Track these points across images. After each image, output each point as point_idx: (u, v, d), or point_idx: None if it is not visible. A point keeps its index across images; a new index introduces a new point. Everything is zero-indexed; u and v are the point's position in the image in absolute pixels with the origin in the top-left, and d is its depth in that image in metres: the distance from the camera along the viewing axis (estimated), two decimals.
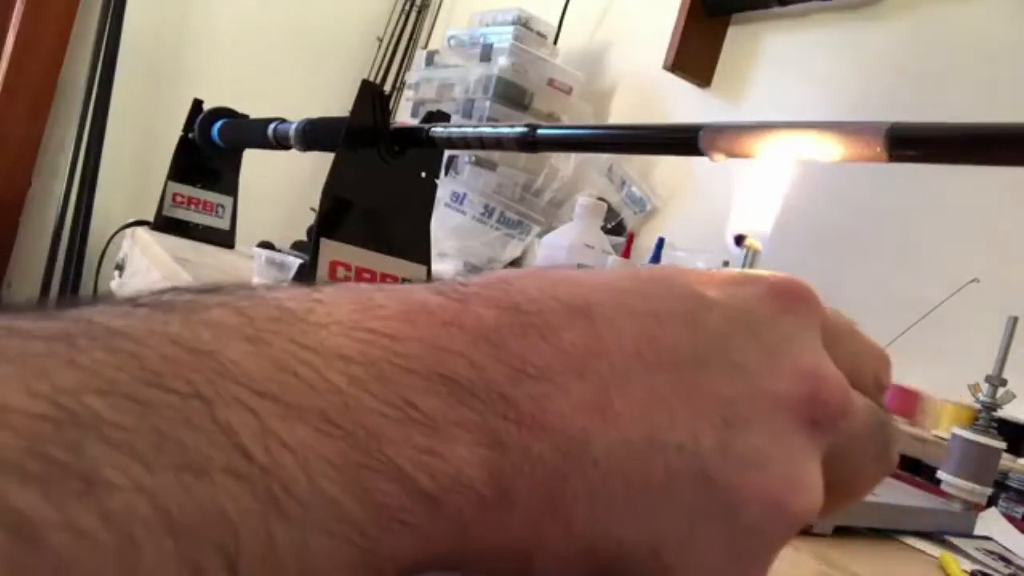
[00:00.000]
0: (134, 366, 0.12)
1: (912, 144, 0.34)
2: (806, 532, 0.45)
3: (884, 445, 0.21)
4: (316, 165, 1.55)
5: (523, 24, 1.48)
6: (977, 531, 0.60)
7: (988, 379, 0.61)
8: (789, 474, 0.17)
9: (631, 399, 0.16)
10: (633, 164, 1.38)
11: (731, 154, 0.42)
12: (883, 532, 0.53)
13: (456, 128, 0.67)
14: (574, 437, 0.15)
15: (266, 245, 1.04)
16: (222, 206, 1.27)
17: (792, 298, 0.19)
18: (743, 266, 0.23)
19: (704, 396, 0.17)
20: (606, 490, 0.16)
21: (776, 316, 0.18)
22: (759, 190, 0.25)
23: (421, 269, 0.76)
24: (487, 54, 1.46)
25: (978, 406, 0.61)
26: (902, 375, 0.92)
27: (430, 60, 1.62)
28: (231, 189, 1.28)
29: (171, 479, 0.11)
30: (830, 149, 0.33)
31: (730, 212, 0.24)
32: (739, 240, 0.24)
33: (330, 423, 0.13)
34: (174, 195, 1.22)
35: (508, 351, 0.16)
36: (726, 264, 1.01)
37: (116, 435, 0.11)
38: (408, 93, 1.68)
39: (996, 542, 0.61)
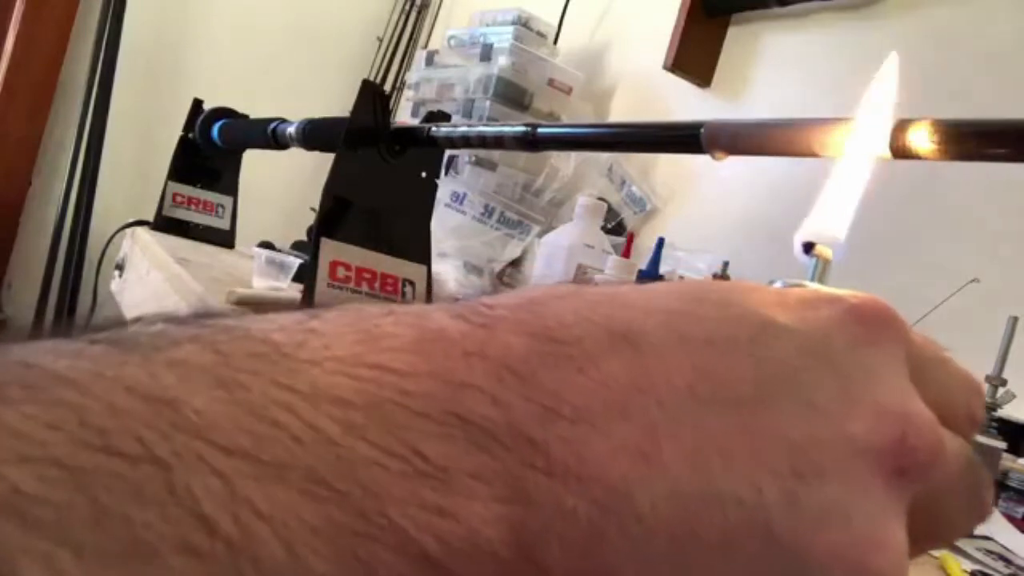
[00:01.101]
0: (72, 422, 0.10)
1: (916, 141, 0.34)
2: None
3: (977, 492, 0.18)
4: (316, 165, 1.55)
5: (523, 24, 1.48)
6: (977, 531, 0.60)
7: (988, 379, 0.61)
8: (870, 533, 0.14)
9: (682, 444, 0.14)
10: (633, 164, 1.38)
11: (733, 152, 0.42)
12: None
13: (456, 127, 0.67)
14: (615, 489, 0.13)
15: (266, 245, 1.04)
16: (222, 206, 1.27)
17: (876, 324, 0.16)
18: (812, 278, 0.21)
19: (769, 440, 0.14)
20: (651, 550, 0.13)
21: (857, 345, 0.16)
22: (834, 190, 0.22)
23: (421, 269, 0.76)
24: (487, 54, 1.46)
25: None
26: None
27: (430, 60, 1.62)
28: (231, 189, 1.28)
29: (107, 567, 0.09)
30: (833, 146, 0.33)
31: (803, 217, 0.22)
32: (808, 248, 0.21)
33: (317, 482, 0.11)
34: (174, 195, 1.22)
35: (539, 386, 0.13)
36: (726, 264, 1.01)
37: (41, 514, 0.09)
38: (408, 93, 1.68)
39: (996, 542, 0.61)
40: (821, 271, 0.21)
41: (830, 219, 0.21)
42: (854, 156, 0.22)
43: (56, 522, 0.09)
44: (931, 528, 0.17)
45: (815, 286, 0.20)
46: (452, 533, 0.12)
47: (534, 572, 0.13)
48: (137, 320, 0.14)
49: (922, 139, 0.34)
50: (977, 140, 0.34)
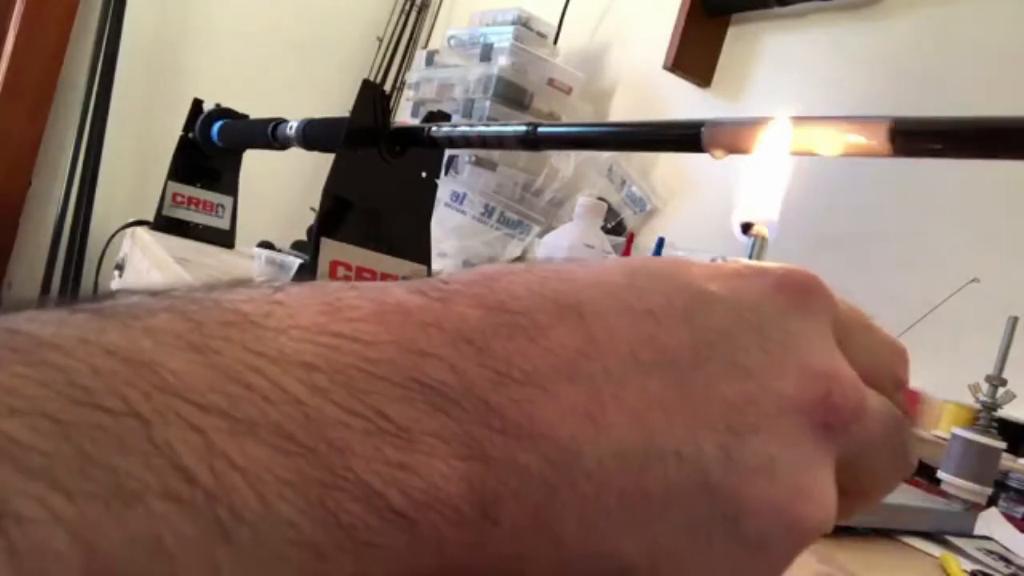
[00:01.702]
0: (60, 381, 0.11)
1: (915, 138, 0.34)
2: None
3: (902, 447, 0.19)
4: (316, 165, 1.55)
5: (523, 24, 1.48)
6: (977, 531, 0.60)
7: (988, 379, 0.61)
8: (799, 483, 0.16)
9: (626, 404, 0.15)
10: (633, 164, 1.38)
11: (734, 150, 0.42)
12: (883, 532, 0.53)
13: (456, 127, 0.67)
14: (564, 447, 0.14)
15: (266, 245, 1.04)
16: (222, 206, 1.27)
17: (801, 291, 0.18)
18: (750, 256, 0.22)
19: (706, 400, 0.16)
20: (599, 503, 0.14)
21: (784, 311, 0.17)
22: (765, 177, 0.23)
23: (421, 269, 0.76)
24: (487, 54, 1.46)
25: (978, 406, 0.61)
26: None
27: (430, 60, 1.62)
28: (231, 189, 1.28)
29: (96, 508, 0.10)
30: (833, 144, 0.33)
31: (735, 200, 0.23)
32: (746, 228, 0.22)
33: (287, 438, 0.12)
34: (174, 195, 1.22)
35: (492, 353, 0.14)
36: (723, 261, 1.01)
37: (33, 461, 0.10)
38: (408, 93, 1.68)
39: (996, 542, 0.61)
40: (759, 249, 0.22)
41: (764, 202, 0.23)
42: (773, 148, 0.24)
43: (47, 468, 0.10)
44: (859, 483, 0.19)
45: (748, 261, 0.21)
46: (415, 487, 0.13)
47: (491, 523, 0.14)
48: (115, 293, 0.14)
49: (921, 138, 0.34)
50: (976, 139, 0.34)
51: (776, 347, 0.17)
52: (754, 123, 0.43)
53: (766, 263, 0.19)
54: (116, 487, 0.10)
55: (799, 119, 0.40)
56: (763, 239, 0.22)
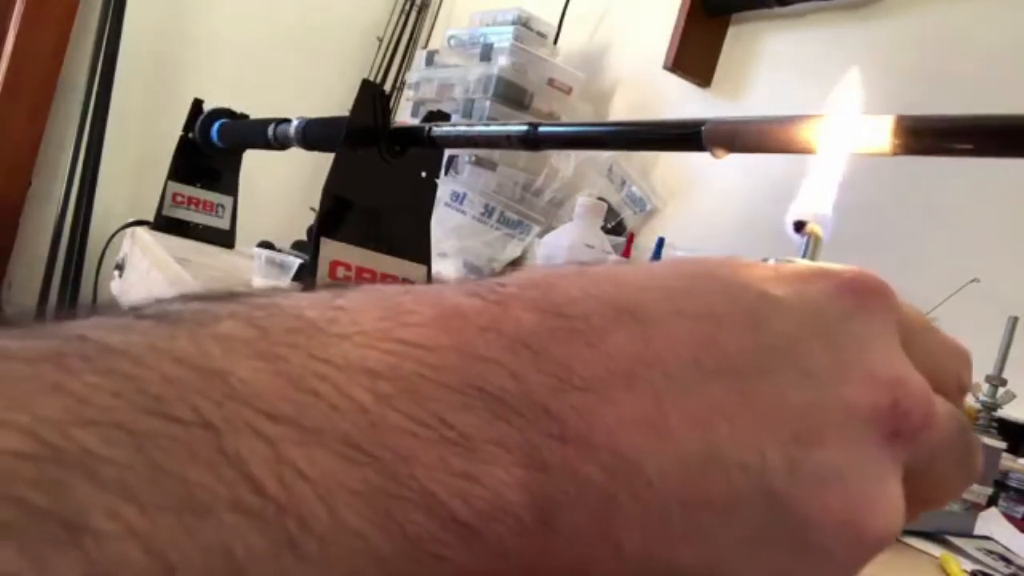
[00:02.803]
0: (131, 390, 0.11)
1: (918, 136, 0.34)
2: None
3: (968, 453, 0.19)
4: (316, 165, 1.55)
5: (523, 24, 1.48)
6: (977, 531, 0.60)
7: (988, 379, 0.61)
8: (866, 493, 0.15)
9: (688, 412, 0.14)
10: (633, 164, 1.38)
11: (734, 149, 0.42)
12: None
13: (457, 127, 0.67)
14: (625, 455, 0.14)
15: (266, 245, 1.04)
16: (222, 206, 1.27)
17: (867, 294, 0.17)
18: (804, 256, 0.22)
19: (770, 407, 0.15)
20: (660, 512, 0.14)
21: (850, 315, 0.17)
22: (818, 173, 0.23)
23: (421, 269, 0.76)
24: (487, 54, 1.46)
25: (978, 406, 0.61)
26: None
27: (430, 60, 1.62)
28: (231, 189, 1.28)
29: (169, 521, 0.10)
30: (835, 142, 0.33)
31: (793, 197, 0.23)
32: (799, 227, 0.22)
33: (354, 447, 0.12)
34: (174, 195, 1.22)
35: (551, 359, 0.14)
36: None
37: (107, 473, 0.10)
38: (408, 93, 1.68)
39: (996, 542, 0.61)
40: (813, 248, 0.22)
41: (815, 200, 0.22)
42: (830, 147, 0.23)
43: (120, 479, 0.10)
44: (925, 490, 0.18)
45: (807, 262, 0.20)
46: (478, 496, 0.13)
47: (551, 532, 0.13)
48: (179, 297, 0.14)
49: (921, 136, 0.34)
50: (976, 137, 0.34)
51: (843, 353, 0.16)
52: (755, 122, 0.43)
53: (828, 264, 0.18)
54: (188, 498, 0.11)
55: (800, 118, 0.40)
56: (817, 238, 0.22)
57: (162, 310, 0.13)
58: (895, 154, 0.34)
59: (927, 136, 0.34)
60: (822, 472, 0.15)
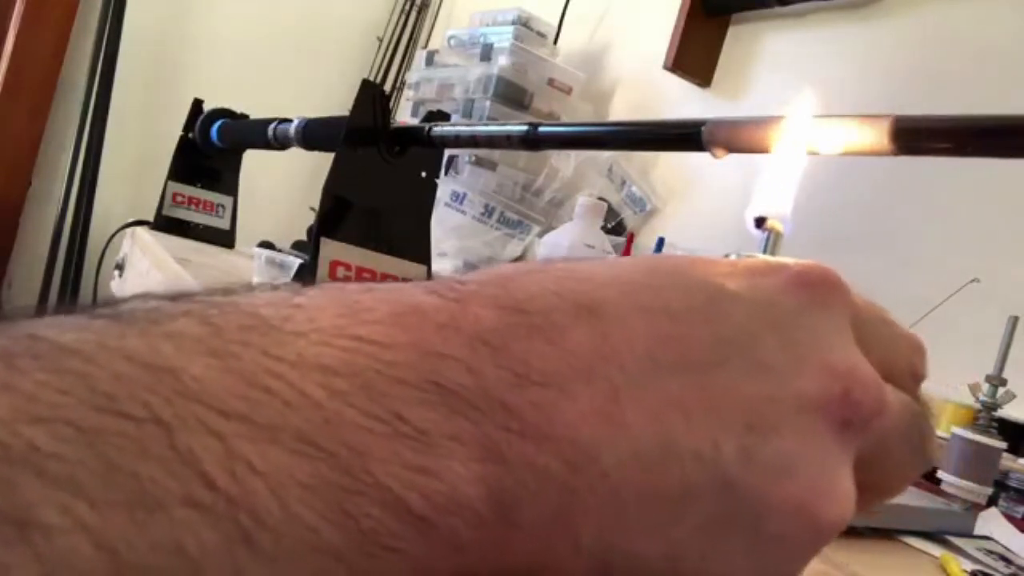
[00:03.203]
0: (81, 388, 0.11)
1: (917, 137, 0.34)
2: None
3: (920, 441, 0.19)
4: (316, 165, 1.55)
5: (523, 24, 1.48)
6: (977, 531, 0.60)
7: (988, 379, 0.61)
8: (818, 481, 0.16)
9: (644, 405, 0.15)
10: (633, 164, 1.38)
11: (734, 149, 0.42)
12: (883, 532, 0.53)
13: (457, 127, 0.67)
14: (582, 448, 0.14)
15: (266, 245, 1.04)
16: (222, 206, 1.27)
17: (820, 287, 0.17)
18: (764, 251, 0.22)
19: (724, 399, 0.15)
20: (618, 503, 0.14)
21: (802, 308, 0.17)
22: (778, 172, 0.23)
23: (421, 269, 0.76)
24: (487, 54, 1.45)
25: (978, 406, 0.61)
26: None
27: (430, 60, 1.62)
28: (231, 189, 1.28)
29: (120, 516, 0.10)
30: (835, 143, 0.33)
31: (750, 195, 0.23)
32: (759, 222, 0.22)
33: (307, 442, 0.12)
34: (174, 195, 1.22)
35: (509, 355, 0.14)
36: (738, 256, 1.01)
37: (56, 469, 0.10)
38: (408, 93, 1.68)
39: (996, 542, 0.61)
40: (773, 244, 0.22)
41: (777, 196, 0.23)
42: (787, 146, 0.24)
43: (69, 475, 0.10)
44: (878, 476, 0.19)
45: (766, 257, 0.21)
46: (434, 490, 0.13)
47: (510, 525, 0.14)
48: (134, 297, 0.14)
49: (921, 136, 0.34)
50: (975, 138, 0.34)
51: (795, 344, 0.17)
52: (755, 122, 0.43)
53: (783, 258, 0.19)
54: (139, 494, 0.11)
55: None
56: (777, 234, 0.22)
57: (116, 309, 0.13)
58: (895, 155, 0.34)
59: (925, 137, 0.34)
60: (776, 461, 0.15)
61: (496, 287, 0.16)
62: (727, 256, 0.20)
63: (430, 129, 0.68)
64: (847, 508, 0.16)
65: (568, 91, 1.47)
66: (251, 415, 0.12)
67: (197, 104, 1.23)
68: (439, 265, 1.22)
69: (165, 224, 1.21)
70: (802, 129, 0.24)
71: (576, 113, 1.49)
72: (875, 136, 0.34)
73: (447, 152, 1.12)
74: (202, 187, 1.25)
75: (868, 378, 0.17)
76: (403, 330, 0.14)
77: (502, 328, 0.15)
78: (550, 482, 0.14)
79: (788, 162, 0.23)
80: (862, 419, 0.17)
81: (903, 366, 0.20)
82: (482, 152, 1.36)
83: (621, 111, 1.53)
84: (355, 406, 0.13)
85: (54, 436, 0.10)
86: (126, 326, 0.13)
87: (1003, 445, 0.60)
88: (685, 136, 0.46)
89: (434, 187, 0.77)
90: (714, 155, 0.44)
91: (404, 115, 1.66)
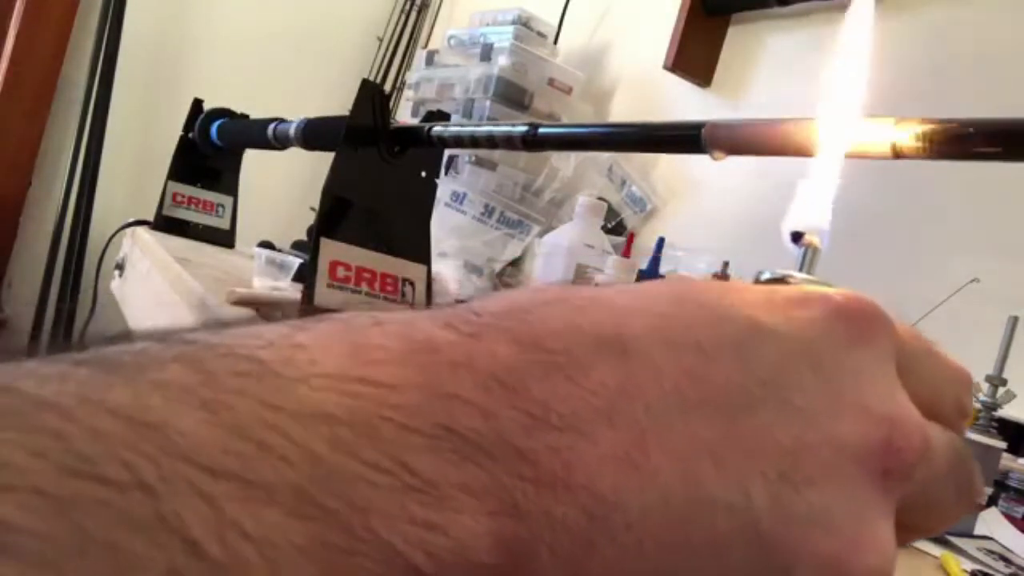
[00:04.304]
0: (57, 450, 0.10)
1: (918, 141, 0.34)
2: None
3: (967, 482, 0.18)
4: (316, 165, 1.55)
5: (523, 24, 1.48)
6: (977, 531, 0.60)
7: (988, 379, 0.61)
8: (856, 535, 0.15)
9: (671, 449, 0.14)
10: (633, 164, 1.38)
11: (734, 151, 0.42)
12: None
13: (457, 127, 0.67)
14: (604, 497, 0.13)
15: (266, 245, 1.04)
16: (222, 206, 1.27)
17: (862, 322, 0.16)
18: (801, 268, 0.21)
19: (757, 444, 0.14)
20: (641, 556, 0.13)
21: (843, 346, 0.16)
22: (815, 183, 0.22)
23: (421, 269, 0.76)
24: (487, 54, 1.45)
25: (978, 406, 0.61)
26: None
27: (430, 60, 1.62)
28: (231, 189, 1.28)
29: None
30: (834, 149, 0.33)
31: (787, 208, 0.22)
32: (796, 237, 0.21)
33: (305, 501, 0.11)
34: (174, 195, 1.22)
35: (526, 396, 0.13)
36: (727, 264, 1.01)
37: (25, 545, 0.09)
38: (408, 93, 1.68)
39: (996, 542, 0.61)
40: (811, 260, 0.21)
41: (813, 209, 0.22)
42: (828, 152, 0.23)
43: (39, 552, 0.09)
44: (922, 520, 0.18)
45: (803, 276, 0.20)
46: (442, 547, 0.12)
47: None
48: (122, 336, 0.13)
49: (921, 139, 0.34)
50: (975, 140, 0.34)
51: (834, 386, 0.15)
52: (754, 125, 0.43)
53: (824, 287, 0.18)
54: (117, 569, 0.10)
55: (797, 120, 0.40)
56: (815, 249, 0.21)
57: (101, 355, 0.12)
58: (896, 158, 0.34)
59: (929, 140, 0.34)
60: (810, 512, 0.14)
61: (513, 320, 0.15)
62: (760, 276, 0.19)
63: (430, 129, 0.68)
64: (887, 561, 0.15)
65: (568, 91, 1.47)
66: (243, 473, 0.11)
67: (197, 104, 1.23)
68: (439, 265, 1.22)
69: (165, 224, 1.21)
70: (845, 133, 0.23)
71: (576, 113, 1.49)
72: (875, 142, 0.34)
73: (447, 152, 1.12)
74: (202, 187, 1.25)
75: (911, 423, 0.16)
76: (413, 370, 0.13)
77: (519, 366, 0.14)
78: (568, 534, 0.13)
79: (823, 171, 0.22)
80: (904, 467, 0.16)
81: (950, 403, 0.18)
82: (482, 152, 1.36)
83: (621, 111, 1.53)
84: (359, 457, 0.12)
85: (24, 507, 0.09)
86: (111, 374, 0.12)
87: (1003, 445, 0.60)
88: (684, 138, 0.46)
89: (434, 187, 0.77)
90: (713, 157, 0.44)
91: (404, 115, 1.66)
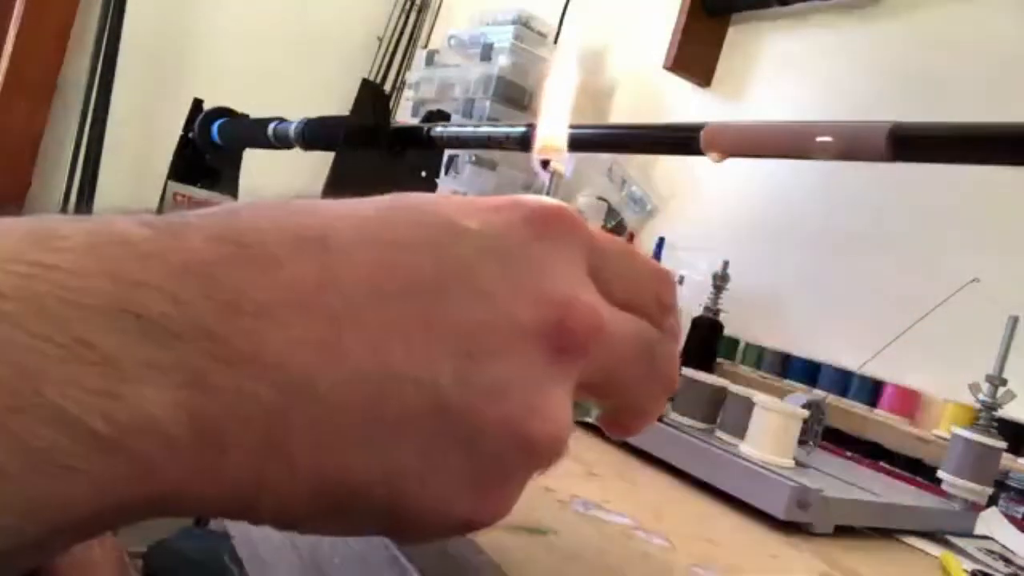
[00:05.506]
0: None
1: (914, 144, 0.34)
2: (806, 531, 0.45)
3: (658, 362, 0.21)
4: (316, 165, 1.55)
5: (523, 24, 1.48)
6: (977, 531, 0.60)
7: (988, 379, 0.61)
8: (532, 402, 0.17)
9: (363, 332, 0.15)
10: (633, 164, 1.38)
11: (733, 153, 0.42)
12: (883, 532, 0.53)
13: (456, 127, 0.67)
14: (294, 374, 0.15)
15: None
16: None
17: (550, 223, 0.18)
18: (547, 193, 0.23)
19: (444, 326, 0.16)
20: (332, 426, 0.15)
21: (530, 242, 0.18)
22: (553, 106, 0.24)
23: None
24: (487, 54, 1.45)
25: (978, 406, 0.61)
26: (902, 375, 0.92)
27: (430, 60, 1.62)
28: (231, 189, 1.28)
29: None
30: (832, 149, 0.33)
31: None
32: (544, 164, 0.23)
33: None
34: (174, 195, 1.22)
35: (221, 286, 0.14)
36: (727, 263, 1.01)
37: None
38: (408, 93, 1.68)
39: (996, 542, 0.61)
40: (557, 184, 0.23)
41: (553, 132, 0.23)
42: (557, 78, 0.24)
43: None
44: (620, 397, 0.21)
45: (546, 199, 0.22)
46: (121, 413, 0.13)
47: (217, 449, 0.14)
48: None
49: (920, 142, 0.34)
50: (975, 142, 0.34)
51: (517, 275, 0.17)
52: (751, 127, 0.43)
53: (522, 196, 0.19)
54: None
55: (796, 123, 0.40)
56: (560, 175, 0.23)
57: None
58: (890, 161, 0.34)
59: (923, 144, 0.34)
60: (491, 384, 0.16)
61: (218, 219, 0.16)
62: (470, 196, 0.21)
63: (430, 129, 0.68)
64: (561, 427, 0.17)
65: None
66: None
67: (197, 103, 1.23)
68: None
69: None
70: (569, 57, 0.25)
71: (576, 113, 1.48)
72: (872, 144, 0.34)
73: (447, 152, 1.12)
74: (202, 187, 1.25)
75: (585, 308, 0.18)
76: (97, 259, 0.14)
77: (216, 259, 0.15)
78: (260, 407, 0.14)
79: (559, 94, 0.24)
80: (576, 345, 0.18)
81: (648, 296, 0.21)
82: (482, 152, 1.36)
83: (621, 111, 1.53)
84: (27, 329, 0.12)
85: None
86: None
87: (1003, 445, 0.60)
88: (683, 140, 0.46)
89: (434, 187, 0.77)
90: (711, 159, 0.44)
91: (404, 115, 1.66)
